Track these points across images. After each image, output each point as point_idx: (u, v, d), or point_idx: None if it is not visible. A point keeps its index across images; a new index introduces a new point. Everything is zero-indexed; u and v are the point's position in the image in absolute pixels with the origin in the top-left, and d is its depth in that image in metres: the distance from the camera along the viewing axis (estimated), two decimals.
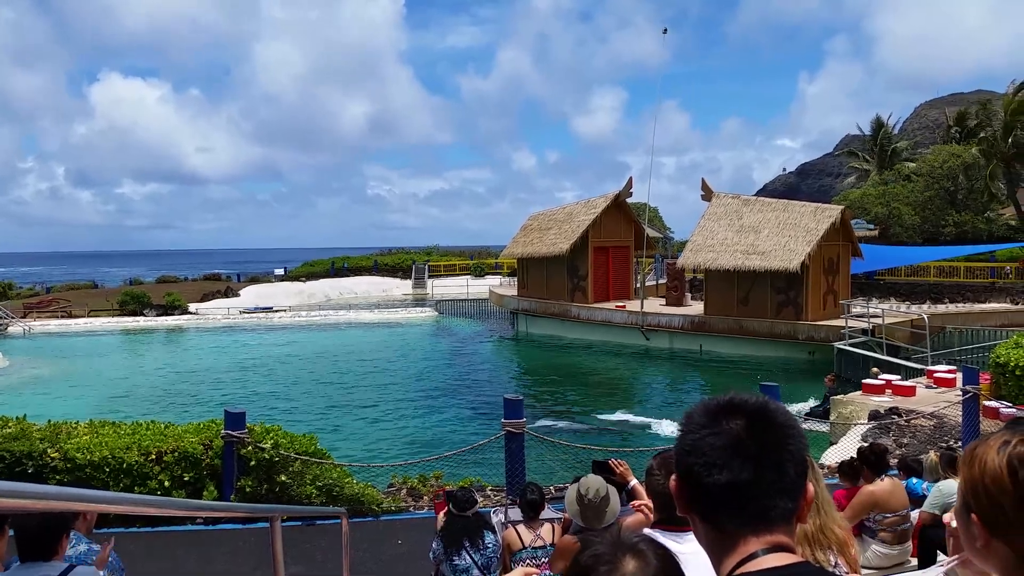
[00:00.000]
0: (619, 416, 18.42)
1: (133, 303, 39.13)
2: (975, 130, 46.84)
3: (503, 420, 8.83)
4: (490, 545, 4.93)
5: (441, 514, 5.60)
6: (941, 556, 5.18)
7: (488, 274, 51.79)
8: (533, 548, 4.80)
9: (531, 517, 4.97)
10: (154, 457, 8.07)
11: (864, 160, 54.55)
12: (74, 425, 8.67)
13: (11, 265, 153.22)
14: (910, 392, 15.34)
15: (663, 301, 30.58)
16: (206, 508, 3.80)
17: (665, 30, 34.93)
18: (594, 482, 3.95)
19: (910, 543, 5.86)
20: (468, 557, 4.86)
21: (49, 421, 8.66)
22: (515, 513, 5.57)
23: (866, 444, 7.39)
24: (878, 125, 53.08)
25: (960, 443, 11.21)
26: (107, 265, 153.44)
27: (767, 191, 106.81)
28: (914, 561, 5.79)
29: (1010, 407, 12.15)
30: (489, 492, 9.22)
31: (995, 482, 1.21)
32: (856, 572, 2.23)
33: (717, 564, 1.24)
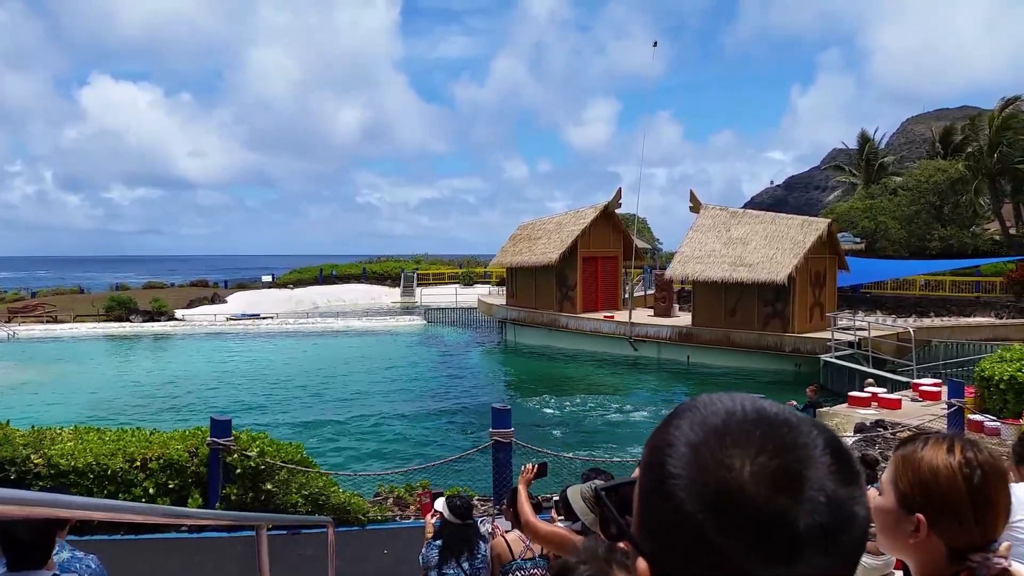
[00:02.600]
0: (606, 426, 18.42)
1: (119, 308, 38.82)
2: (961, 145, 47.34)
3: (491, 429, 8.84)
4: (480, 556, 4.89)
5: (429, 516, 5.55)
6: None
7: (477, 283, 51.75)
8: (523, 560, 4.63)
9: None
10: (139, 464, 8.01)
11: (851, 174, 54.98)
12: (58, 431, 8.59)
13: None
14: (896, 405, 15.43)
15: (651, 312, 30.64)
16: (191, 516, 3.76)
17: (655, 43, 34.79)
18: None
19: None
20: (460, 567, 4.81)
21: (33, 427, 8.58)
22: (502, 523, 5.54)
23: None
24: (864, 140, 53.54)
25: None
26: (94, 270, 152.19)
27: (755, 203, 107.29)
28: (899, 573, 5.79)
29: (994, 420, 12.25)
30: (476, 502, 9.20)
31: (950, 485, 1.37)
32: None
33: None
